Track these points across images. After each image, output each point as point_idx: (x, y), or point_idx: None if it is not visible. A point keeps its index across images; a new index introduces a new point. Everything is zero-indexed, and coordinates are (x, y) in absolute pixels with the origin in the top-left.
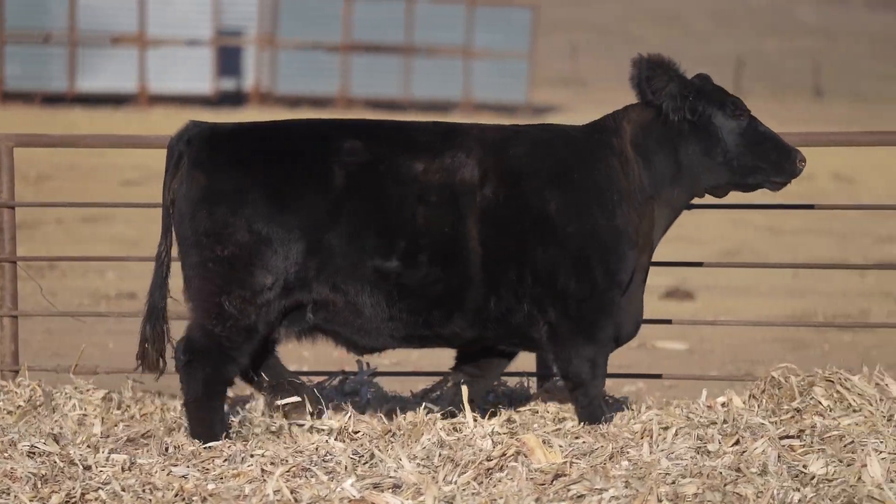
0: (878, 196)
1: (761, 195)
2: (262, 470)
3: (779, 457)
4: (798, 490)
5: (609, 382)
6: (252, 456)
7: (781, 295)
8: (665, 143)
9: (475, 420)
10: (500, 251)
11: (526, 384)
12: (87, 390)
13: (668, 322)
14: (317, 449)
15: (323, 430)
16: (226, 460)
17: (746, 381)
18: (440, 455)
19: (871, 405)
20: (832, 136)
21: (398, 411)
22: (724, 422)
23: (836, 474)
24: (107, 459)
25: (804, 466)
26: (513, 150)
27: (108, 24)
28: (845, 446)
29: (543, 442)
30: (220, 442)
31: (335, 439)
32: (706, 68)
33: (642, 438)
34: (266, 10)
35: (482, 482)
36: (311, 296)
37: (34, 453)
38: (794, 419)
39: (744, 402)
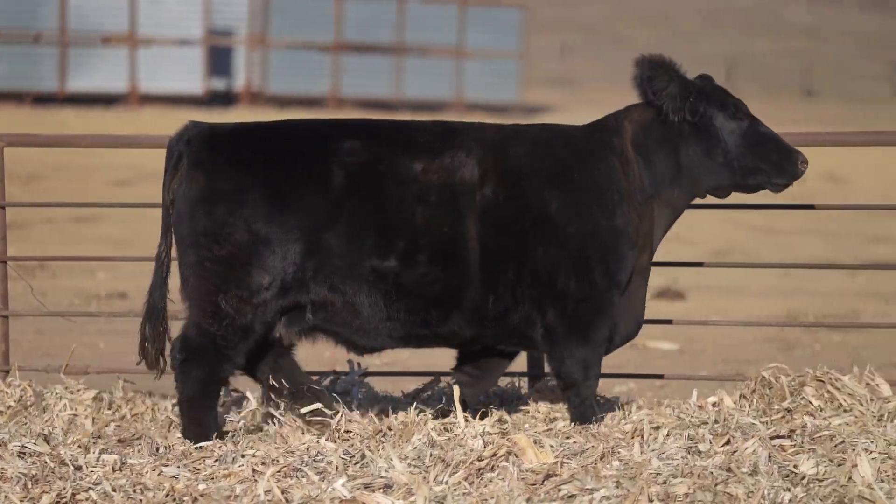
0: (869, 196)
1: (758, 195)
2: (253, 470)
3: (769, 457)
4: (789, 490)
5: (602, 382)
6: (243, 456)
7: (772, 295)
8: (665, 144)
9: (466, 420)
10: (499, 251)
11: (517, 384)
12: (78, 390)
13: (663, 322)
14: (308, 449)
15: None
16: (217, 460)
17: (737, 381)
18: (431, 455)
19: (861, 405)
20: (823, 136)
21: (389, 411)
22: (715, 422)
23: (826, 474)
24: (97, 459)
25: (795, 466)
26: (513, 149)
27: (98, 23)
28: (836, 446)
29: (534, 442)
30: (211, 442)
31: (326, 439)
32: (696, 69)
33: (633, 438)
34: (257, 10)
35: (473, 482)
36: (308, 296)
37: (25, 453)
38: (784, 419)
39: (735, 402)
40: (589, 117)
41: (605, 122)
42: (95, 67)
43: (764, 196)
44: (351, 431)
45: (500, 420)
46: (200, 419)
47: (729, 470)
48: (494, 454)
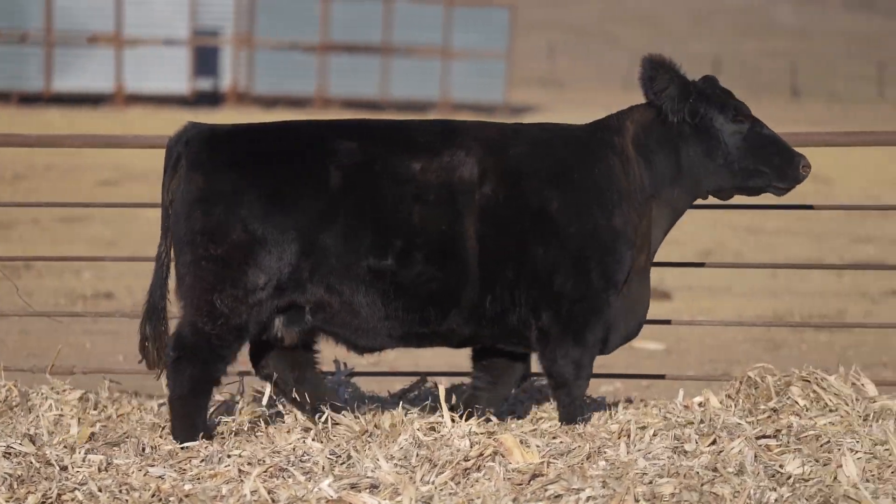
0: (855, 196)
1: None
2: (240, 470)
3: (755, 456)
4: (774, 490)
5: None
6: (229, 456)
7: (759, 295)
8: (666, 144)
9: (452, 420)
10: (497, 250)
11: None
12: (64, 390)
13: (657, 322)
14: (294, 449)
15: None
16: (203, 461)
17: (723, 380)
18: (418, 455)
19: (847, 405)
20: (809, 136)
21: (377, 411)
22: (701, 422)
23: (812, 474)
24: (83, 460)
25: (780, 466)
26: (513, 149)
27: (84, 23)
28: (821, 446)
29: (521, 442)
30: (197, 442)
31: (312, 439)
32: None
33: (619, 438)
34: (243, 10)
35: (459, 482)
36: (305, 296)
37: (10, 454)
38: (770, 419)
39: (721, 402)
40: (576, 117)
41: (608, 122)
42: (81, 67)
43: (750, 197)
44: (339, 425)
45: (486, 420)
46: (190, 418)
47: (715, 470)
48: (481, 454)
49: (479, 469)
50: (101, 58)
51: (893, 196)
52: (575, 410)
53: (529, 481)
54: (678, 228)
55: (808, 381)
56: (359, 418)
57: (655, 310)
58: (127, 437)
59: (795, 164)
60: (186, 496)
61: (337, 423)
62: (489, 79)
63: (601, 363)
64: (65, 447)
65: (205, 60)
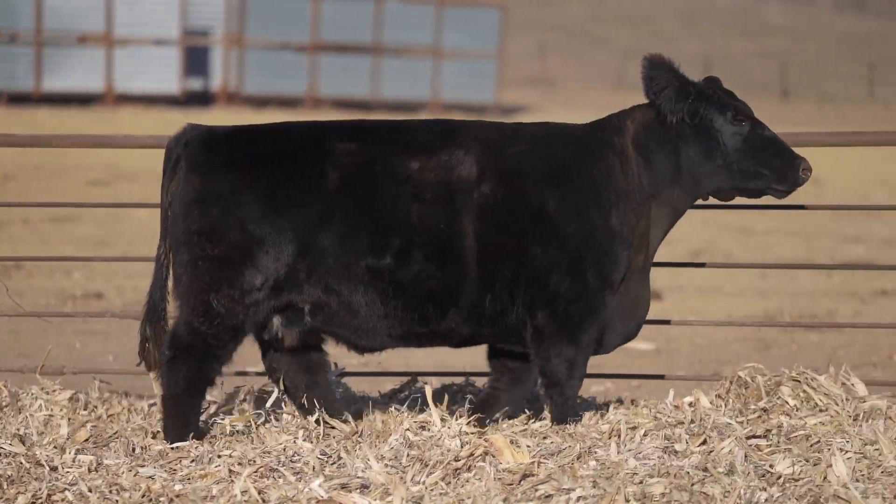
0: (845, 196)
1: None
2: (230, 470)
3: (745, 456)
4: (765, 490)
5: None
6: (220, 456)
7: (749, 295)
8: (666, 144)
9: (442, 420)
10: (496, 249)
11: None
12: (54, 391)
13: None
14: (284, 449)
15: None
16: (193, 461)
17: (714, 380)
18: (408, 455)
19: (837, 405)
20: (799, 136)
21: (367, 411)
22: (692, 422)
23: (802, 474)
24: (73, 460)
25: (771, 466)
26: (512, 148)
27: (74, 23)
28: (811, 446)
29: (511, 442)
30: (188, 442)
31: (303, 439)
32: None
33: (610, 438)
34: (233, 10)
35: (450, 482)
36: (302, 297)
37: (0, 454)
38: (760, 419)
39: (711, 402)
40: (567, 117)
41: (609, 121)
42: (71, 67)
43: (750, 198)
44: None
45: (476, 420)
46: (183, 418)
47: (705, 470)
48: (471, 454)
49: (469, 469)
50: (91, 57)
51: (884, 196)
52: (567, 410)
53: (520, 481)
54: None
55: (799, 381)
56: (349, 418)
57: None
58: (117, 438)
59: (795, 166)
60: (177, 496)
61: (329, 425)
62: (480, 79)
63: (593, 363)
64: (55, 447)
65: (195, 60)
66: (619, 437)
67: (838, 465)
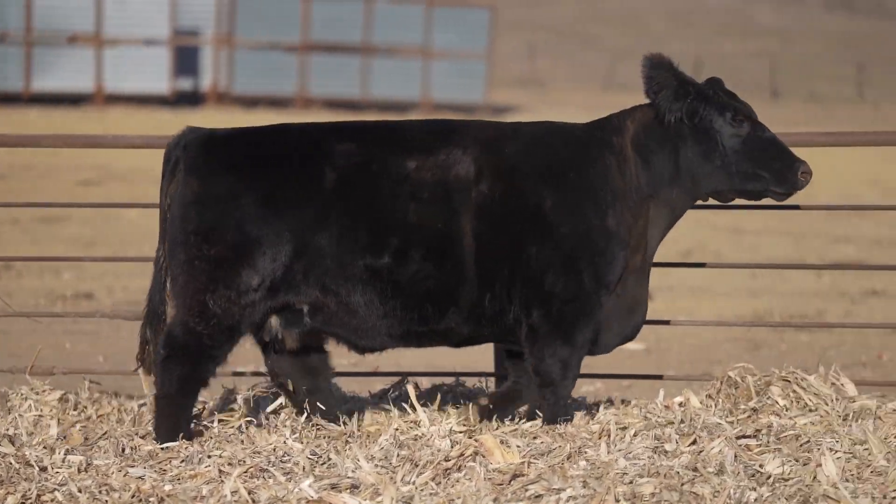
0: (834, 197)
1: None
2: (220, 471)
3: (735, 456)
4: (754, 489)
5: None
6: (209, 457)
7: (739, 295)
8: (666, 144)
9: (432, 420)
10: (494, 248)
11: (484, 384)
12: (44, 391)
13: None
14: (274, 449)
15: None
16: (183, 461)
17: (704, 380)
18: (398, 455)
19: (826, 405)
20: (789, 136)
21: (358, 411)
22: (682, 422)
23: (791, 474)
24: (63, 460)
25: (760, 466)
26: (510, 147)
27: (64, 23)
28: (801, 446)
29: (501, 442)
30: (178, 443)
31: (293, 440)
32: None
33: (600, 438)
34: (223, 10)
35: (440, 482)
36: (299, 297)
37: None
38: (750, 419)
39: (701, 402)
40: (556, 117)
41: (609, 121)
42: (61, 67)
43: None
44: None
45: (466, 420)
46: (175, 418)
47: (695, 469)
48: (461, 454)
49: (459, 469)
50: (80, 57)
51: (874, 196)
52: (559, 410)
53: (510, 481)
54: None
55: (788, 381)
56: (340, 418)
57: None
58: (107, 438)
59: (795, 169)
60: (167, 496)
61: (318, 427)
62: (469, 79)
63: (583, 363)
64: (44, 448)
65: (185, 60)
66: (609, 437)
67: (828, 464)
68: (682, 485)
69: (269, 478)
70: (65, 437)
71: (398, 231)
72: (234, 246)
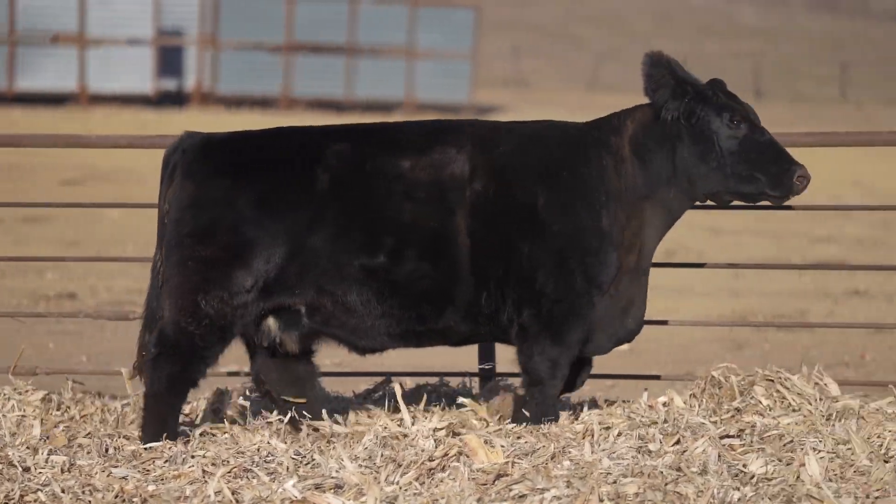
0: (817, 197)
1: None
2: (204, 471)
3: (719, 456)
4: (738, 489)
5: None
6: (193, 457)
7: (721, 295)
8: (664, 144)
9: (413, 420)
10: (488, 247)
11: (468, 384)
12: (27, 391)
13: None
14: (258, 450)
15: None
16: (167, 461)
17: (687, 380)
18: (382, 455)
19: (810, 404)
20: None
21: (341, 411)
22: (665, 421)
23: (775, 473)
24: (46, 461)
25: (744, 466)
26: (504, 146)
27: (47, 23)
28: (784, 445)
29: (485, 442)
30: (161, 443)
31: (277, 440)
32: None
33: (584, 438)
34: (207, 10)
35: (424, 482)
36: (294, 298)
37: None
38: (734, 418)
39: (684, 402)
40: (541, 117)
41: (608, 120)
42: (44, 67)
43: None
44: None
45: (450, 420)
46: (161, 417)
47: (679, 469)
48: (445, 454)
49: (443, 469)
50: (64, 57)
51: (856, 196)
52: (546, 409)
53: (494, 481)
54: None
55: (772, 381)
56: (324, 418)
57: None
58: (90, 438)
59: (791, 173)
60: (150, 497)
61: (300, 426)
62: (454, 79)
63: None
64: (27, 448)
65: (169, 60)
66: (593, 436)
67: (811, 464)
68: (666, 484)
69: (253, 478)
70: (48, 438)
71: (393, 231)
72: (228, 247)
